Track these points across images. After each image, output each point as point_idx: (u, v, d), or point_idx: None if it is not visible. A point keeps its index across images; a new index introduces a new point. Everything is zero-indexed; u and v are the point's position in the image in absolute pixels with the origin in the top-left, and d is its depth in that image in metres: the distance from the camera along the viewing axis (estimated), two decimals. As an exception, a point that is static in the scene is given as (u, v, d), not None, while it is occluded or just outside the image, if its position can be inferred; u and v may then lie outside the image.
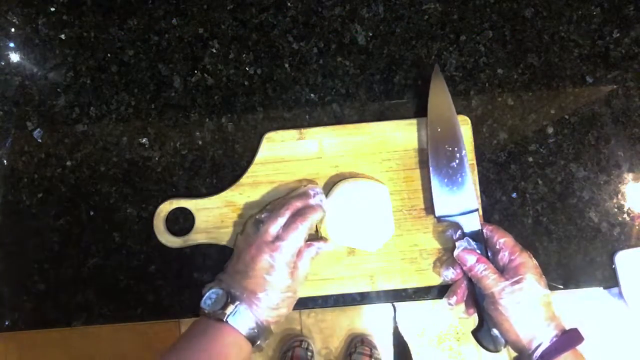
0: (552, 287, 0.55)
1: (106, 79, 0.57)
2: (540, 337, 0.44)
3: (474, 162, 0.55)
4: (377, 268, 0.54)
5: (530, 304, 0.45)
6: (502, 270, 0.48)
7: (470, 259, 0.48)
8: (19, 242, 0.56)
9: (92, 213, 0.56)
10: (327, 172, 0.55)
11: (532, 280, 0.46)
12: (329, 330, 1.38)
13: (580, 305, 1.36)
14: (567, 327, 0.46)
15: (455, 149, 0.51)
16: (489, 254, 0.50)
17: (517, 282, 0.46)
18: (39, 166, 0.56)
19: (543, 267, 0.49)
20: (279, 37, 0.57)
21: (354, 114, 0.57)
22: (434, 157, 0.52)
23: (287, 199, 0.50)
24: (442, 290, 0.55)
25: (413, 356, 1.37)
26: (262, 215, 0.49)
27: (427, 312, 1.39)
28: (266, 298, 0.45)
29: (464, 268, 0.49)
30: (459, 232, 0.52)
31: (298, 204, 0.49)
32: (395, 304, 1.38)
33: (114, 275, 0.56)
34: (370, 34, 0.58)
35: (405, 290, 0.55)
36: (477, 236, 0.50)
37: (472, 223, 0.51)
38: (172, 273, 0.55)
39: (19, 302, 0.55)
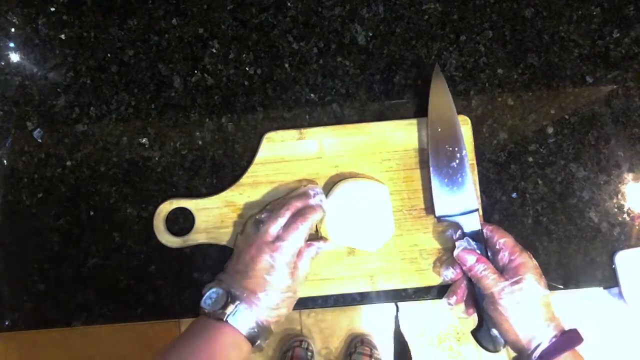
0: (552, 287, 0.55)
1: (106, 79, 0.57)
2: (540, 337, 0.44)
3: (474, 162, 0.55)
4: (377, 268, 0.54)
5: (529, 304, 0.45)
6: (502, 271, 0.48)
7: (470, 259, 0.48)
8: (19, 242, 0.56)
9: (92, 213, 0.56)
10: (327, 172, 0.55)
11: (531, 281, 0.46)
12: (329, 330, 1.38)
13: (580, 305, 1.36)
14: (567, 328, 0.46)
15: (456, 148, 0.51)
16: (489, 254, 0.50)
17: (517, 282, 0.46)
18: (39, 166, 0.56)
19: (543, 267, 0.49)
20: (279, 37, 0.57)
21: (354, 114, 0.57)
22: (434, 157, 0.52)
23: (287, 199, 0.50)
24: (442, 290, 0.55)
25: (413, 356, 1.37)
26: (262, 216, 0.49)
27: (427, 312, 1.39)
28: (266, 298, 0.45)
29: (464, 268, 0.49)
30: (459, 232, 0.52)
31: (298, 204, 0.49)
32: (398, 303, 1.38)
33: (114, 275, 0.56)
34: (370, 34, 0.58)
35: (405, 290, 0.55)
36: (477, 236, 0.50)
37: (472, 223, 0.51)
38: (172, 273, 0.56)
39: (19, 302, 0.55)
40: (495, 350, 0.50)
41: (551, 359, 0.43)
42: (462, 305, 0.52)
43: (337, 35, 0.58)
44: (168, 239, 0.54)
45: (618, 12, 0.58)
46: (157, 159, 0.56)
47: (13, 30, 0.58)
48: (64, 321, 0.55)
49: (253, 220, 0.49)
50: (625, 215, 0.56)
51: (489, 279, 0.46)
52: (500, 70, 0.57)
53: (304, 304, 0.54)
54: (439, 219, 0.52)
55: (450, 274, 0.52)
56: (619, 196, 0.56)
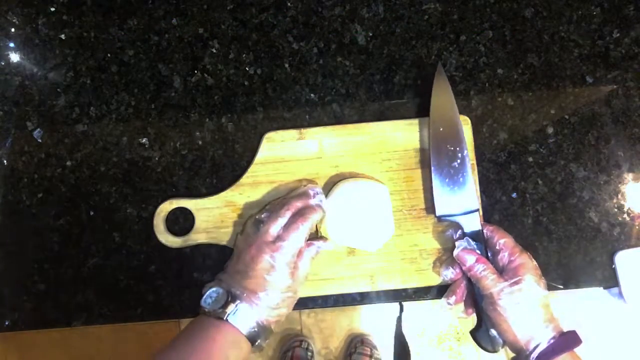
0: (552, 287, 0.55)
1: (106, 79, 0.57)
2: (538, 338, 0.44)
3: (474, 162, 0.55)
4: (377, 268, 0.54)
5: (529, 305, 0.45)
6: (502, 271, 0.48)
7: (470, 259, 0.48)
8: (19, 242, 0.56)
9: (92, 213, 0.56)
10: (327, 172, 0.55)
11: (531, 282, 0.46)
12: (329, 330, 1.38)
13: (580, 305, 1.36)
14: (566, 329, 0.46)
15: (457, 148, 0.51)
16: (489, 255, 0.50)
17: (516, 283, 0.46)
18: (39, 166, 0.56)
19: (543, 267, 0.49)
20: (279, 37, 0.57)
21: (354, 114, 0.57)
22: (435, 157, 0.52)
23: (287, 199, 0.50)
24: (441, 290, 0.55)
25: (413, 356, 1.37)
26: (262, 215, 0.49)
27: (427, 312, 1.39)
28: (266, 298, 0.45)
29: (464, 268, 0.49)
30: (459, 232, 0.52)
31: (298, 204, 0.49)
32: (403, 303, 1.37)
33: (114, 275, 0.56)
34: (370, 34, 0.58)
35: (405, 290, 0.55)
36: (477, 236, 0.50)
37: (473, 223, 0.51)
38: (172, 273, 0.56)
39: (19, 302, 0.55)
40: (494, 351, 0.50)
41: None
42: (461, 305, 0.52)
43: (337, 35, 0.58)
44: (168, 239, 0.54)
45: (618, 12, 0.58)
46: (157, 159, 0.56)
47: (13, 30, 0.58)
48: (64, 321, 0.55)
49: (253, 220, 0.49)
50: (625, 215, 0.56)
51: (489, 279, 0.46)
52: (500, 70, 0.57)
53: (304, 304, 0.54)
54: (440, 219, 0.52)
55: (450, 274, 0.52)
56: (619, 196, 0.56)
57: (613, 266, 0.55)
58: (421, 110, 0.57)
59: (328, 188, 0.54)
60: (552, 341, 0.44)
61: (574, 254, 0.56)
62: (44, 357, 1.37)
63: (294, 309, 0.50)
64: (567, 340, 0.44)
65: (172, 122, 0.57)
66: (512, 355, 0.47)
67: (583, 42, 0.58)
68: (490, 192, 0.56)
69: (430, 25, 0.58)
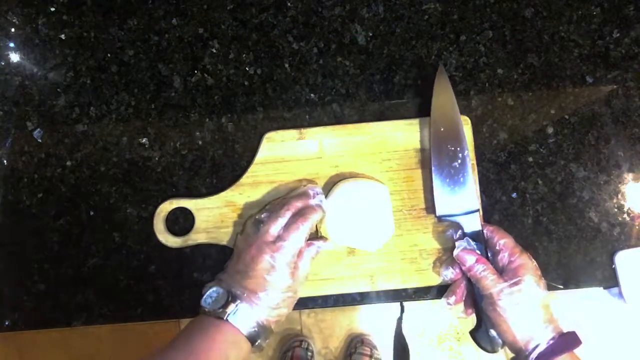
0: (552, 287, 0.55)
1: (106, 79, 0.57)
2: (538, 338, 0.44)
3: (474, 162, 0.55)
4: (377, 268, 0.54)
5: (528, 306, 0.45)
6: (502, 272, 0.48)
7: (470, 259, 0.48)
8: (19, 242, 0.56)
9: (92, 213, 0.56)
10: (327, 172, 0.55)
11: (531, 282, 0.46)
12: (329, 330, 1.38)
13: (580, 305, 1.36)
14: (566, 330, 0.46)
15: (458, 148, 0.51)
16: (489, 255, 0.50)
17: (516, 283, 0.46)
18: (39, 166, 0.56)
19: (543, 267, 0.49)
20: (279, 37, 0.57)
21: (354, 114, 0.57)
22: (436, 157, 0.52)
23: (287, 199, 0.50)
24: (441, 290, 0.55)
25: (413, 356, 1.37)
26: (262, 216, 0.49)
27: (427, 312, 1.39)
28: (267, 298, 0.45)
29: (463, 268, 0.49)
30: (459, 232, 0.52)
31: (298, 204, 0.49)
32: (404, 303, 1.37)
33: (114, 275, 0.56)
34: (370, 34, 0.58)
35: (405, 290, 0.55)
36: (477, 236, 0.50)
37: (473, 223, 0.51)
38: (172, 273, 0.56)
39: (19, 302, 0.55)
40: (493, 351, 0.50)
41: None
42: (461, 306, 0.52)
43: (337, 35, 0.58)
44: (168, 239, 0.54)
45: (618, 12, 0.58)
46: (157, 159, 0.56)
47: (13, 30, 0.58)
48: (64, 321, 0.55)
49: (253, 220, 0.49)
50: (625, 215, 0.56)
51: (488, 280, 0.46)
52: (500, 70, 0.57)
53: (304, 304, 0.54)
54: (440, 219, 0.52)
55: (449, 274, 0.52)
56: (619, 196, 0.56)
57: (613, 266, 0.55)
58: (421, 110, 0.57)
59: (328, 188, 0.54)
60: (551, 342, 0.44)
61: (574, 254, 0.56)
62: (44, 357, 1.37)
63: (294, 309, 0.50)
64: (567, 341, 0.44)
65: (172, 122, 0.57)
66: (512, 355, 0.47)
67: (583, 42, 0.58)
68: (490, 192, 0.56)
69: (430, 25, 0.58)
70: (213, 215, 0.54)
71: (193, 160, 0.56)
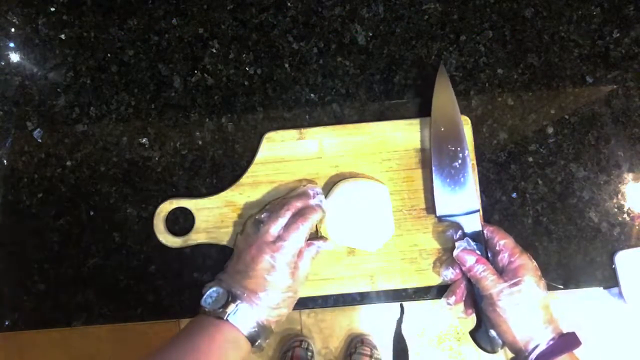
0: (552, 287, 0.55)
1: (106, 79, 0.57)
2: (537, 339, 0.44)
3: (474, 162, 0.55)
4: (377, 268, 0.54)
5: (528, 306, 0.45)
6: (502, 272, 0.48)
7: (470, 260, 0.48)
8: (19, 242, 0.56)
9: (92, 213, 0.56)
10: (327, 172, 0.55)
11: (531, 283, 0.46)
12: (329, 330, 1.38)
13: (580, 305, 1.36)
14: (566, 330, 0.46)
15: (458, 148, 0.51)
16: (489, 255, 0.50)
17: (516, 284, 0.46)
18: (39, 166, 0.56)
19: (543, 267, 0.49)
20: (279, 37, 0.57)
21: (354, 114, 0.57)
22: (436, 157, 0.52)
23: (287, 199, 0.50)
24: (441, 290, 0.55)
25: (413, 356, 1.37)
26: (262, 216, 0.49)
27: (427, 312, 1.39)
28: (267, 298, 0.45)
29: (463, 268, 0.49)
30: (459, 233, 0.52)
31: (298, 204, 0.49)
32: (404, 305, 1.37)
33: (114, 275, 0.56)
34: (370, 34, 0.58)
35: (405, 290, 0.55)
36: (477, 237, 0.50)
37: (473, 223, 0.51)
38: (172, 273, 0.56)
39: (19, 302, 0.55)
40: (493, 351, 0.50)
41: None
42: (461, 306, 0.52)
43: (337, 35, 0.58)
44: (168, 239, 0.54)
45: (618, 12, 0.58)
46: (157, 159, 0.56)
47: (13, 30, 0.58)
48: (64, 321, 0.55)
49: (253, 220, 0.49)
50: (625, 215, 0.56)
51: (488, 280, 0.46)
52: (500, 70, 0.57)
53: (304, 304, 0.54)
54: (440, 219, 0.52)
55: (449, 274, 0.52)
56: (619, 196, 0.56)
57: (613, 266, 0.55)
58: (421, 110, 0.57)
59: (328, 188, 0.54)
60: (551, 342, 0.44)
61: (574, 254, 0.56)
62: (44, 357, 1.37)
63: (294, 309, 0.50)
64: (567, 341, 0.44)
65: (172, 122, 0.57)
66: (512, 355, 0.47)
67: (583, 42, 0.58)
68: (490, 192, 0.56)
69: (430, 25, 0.58)
70: (213, 215, 0.54)
71: (193, 160, 0.56)
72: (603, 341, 1.34)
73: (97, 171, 0.56)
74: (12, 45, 0.58)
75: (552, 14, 0.58)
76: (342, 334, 1.37)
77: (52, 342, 1.37)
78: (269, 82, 0.57)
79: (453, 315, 1.38)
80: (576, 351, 0.45)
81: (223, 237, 0.54)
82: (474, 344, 0.51)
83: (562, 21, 0.58)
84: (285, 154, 0.54)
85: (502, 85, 0.57)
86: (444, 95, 0.52)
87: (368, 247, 0.53)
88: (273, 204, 0.52)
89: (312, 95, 0.57)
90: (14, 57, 0.58)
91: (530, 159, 0.57)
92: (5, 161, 0.56)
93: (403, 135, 0.55)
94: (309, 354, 1.30)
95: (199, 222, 0.54)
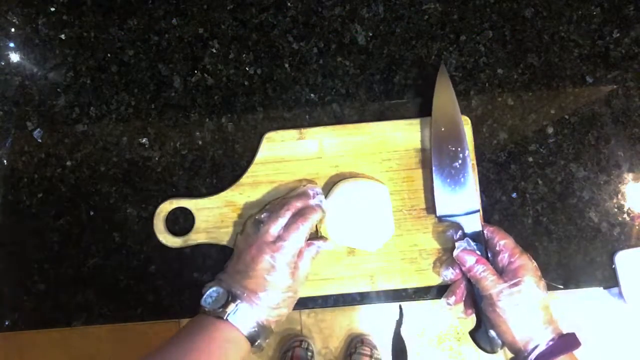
0: (552, 287, 0.55)
1: (106, 79, 0.57)
2: (537, 339, 0.44)
3: (474, 162, 0.55)
4: (377, 268, 0.54)
5: (528, 307, 0.45)
6: (502, 272, 0.48)
7: (470, 260, 0.48)
8: (19, 242, 0.56)
9: (92, 213, 0.56)
10: (327, 172, 0.55)
11: (531, 283, 0.46)
12: (329, 330, 1.38)
13: (580, 305, 1.36)
14: (565, 331, 0.46)
15: (459, 148, 0.51)
16: (489, 256, 0.50)
17: (516, 284, 0.46)
18: (39, 166, 0.56)
19: (543, 267, 0.49)
20: (279, 37, 0.57)
21: (354, 114, 0.57)
22: (437, 157, 0.52)
23: (286, 199, 0.50)
24: (441, 290, 0.55)
25: (413, 356, 1.37)
26: (262, 216, 0.49)
27: (427, 312, 1.39)
28: (267, 298, 0.45)
29: (463, 269, 0.49)
30: (459, 233, 0.52)
31: (298, 204, 0.49)
32: (403, 307, 1.37)
33: (114, 275, 0.56)
34: (370, 34, 0.58)
35: (405, 290, 0.55)
36: (477, 237, 0.50)
37: (473, 224, 0.51)
38: (172, 273, 0.55)
39: (19, 302, 0.55)
40: (493, 351, 0.50)
41: None
42: (461, 306, 0.52)
43: (337, 35, 0.58)
44: (168, 239, 0.54)
45: (618, 12, 0.58)
46: (157, 159, 0.56)
47: (13, 30, 0.58)
48: (64, 321, 0.55)
49: (253, 220, 0.49)
50: (625, 215, 0.56)
51: (488, 280, 0.46)
52: (500, 70, 0.57)
53: (304, 304, 0.54)
54: (440, 219, 0.52)
55: (449, 274, 0.52)
56: (619, 196, 0.56)
57: (613, 266, 0.55)
58: (421, 110, 0.57)
59: (328, 188, 0.54)
60: (550, 343, 0.44)
61: (574, 254, 0.56)
62: (44, 357, 1.37)
63: (294, 309, 0.50)
64: (566, 342, 0.44)
65: (172, 122, 0.57)
66: (511, 356, 0.47)
67: (583, 42, 0.58)
68: (490, 192, 0.56)
69: (430, 25, 0.58)
70: (213, 215, 0.54)
71: (193, 160, 0.56)
72: (603, 341, 1.34)
73: (97, 171, 0.56)
74: (12, 45, 0.58)
75: (552, 14, 0.58)
76: (342, 334, 1.37)
77: (52, 342, 1.37)
78: (269, 82, 0.57)
79: (453, 315, 1.38)
80: (576, 351, 0.45)
81: (223, 237, 0.54)
82: (474, 344, 0.51)
83: (562, 21, 0.58)
84: (285, 154, 0.54)
85: (502, 85, 0.57)
86: (444, 95, 0.52)
87: (368, 247, 0.53)
88: (273, 204, 0.52)
89: (312, 95, 0.57)
90: (14, 57, 0.58)
91: (530, 159, 0.57)
92: (5, 161, 0.56)
93: (403, 135, 0.55)
94: (309, 354, 1.30)
95: (199, 222, 0.54)
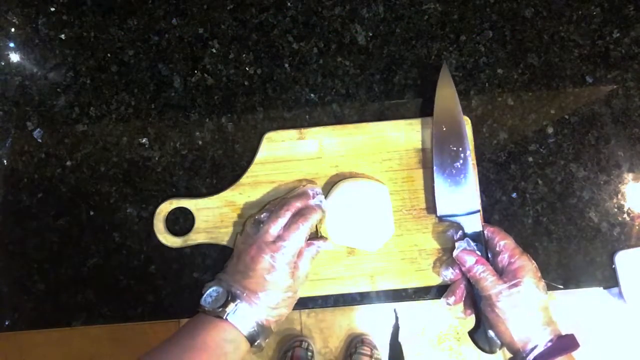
0: (552, 287, 0.55)
1: (106, 79, 0.57)
2: (535, 340, 0.44)
3: (474, 162, 0.55)
4: (377, 268, 0.54)
5: (527, 308, 0.45)
6: (502, 273, 0.48)
7: (470, 260, 0.48)
8: (19, 242, 0.56)
9: (92, 213, 0.56)
10: (327, 172, 0.55)
11: (530, 284, 0.46)
12: (329, 330, 1.38)
13: (580, 305, 1.36)
14: (564, 332, 0.46)
15: (460, 148, 0.51)
16: (489, 256, 0.50)
17: (515, 285, 0.46)
18: (39, 166, 0.56)
19: (543, 267, 0.49)
20: (279, 37, 0.57)
21: (354, 114, 0.57)
22: (438, 156, 0.52)
23: (286, 199, 0.50)
24: (441, 290, 0.55)
25: (414, 357, 1.37)
26: (262, 216, 0.49)
27: (426, 312, 1.39)
28: (266, 298, 0.45)
29: (463, 269, 0.49)
30: (459, 233, 0.52)
31: (298, 204, 0.49)
32: (397, 312, 1.37)
33: (114, 275, 0.56)
34: (370, 34, 0.58)
35: (405, 290, 0.55)
36: (477, 237, 0.50)
37: (474, 224, 0.51)
38: (172, 273, 0.55)
39: (19, 302, 0.55)
40: (491, 352, 0.50)
41: None
42: (460, 306, 0.52)
43: (337, 35, 0.58)
44: (168, 239, 0.54)
45: (618, 12, 0.58)
46: (157, 159, 0.56)
47: (13, 30, 0.58)
48: (64, 321, 0.55)
49: (253, 220, 0.49)
50: (625, 215, 0.56)
51: (488, 281, 0.46)
52: (500, 70, 0.57)
53: (304, 304, 0.54)
54: (441, 219, 0.52)
55: (449, 274, 0.52)
56: (619, 196, 0.56)
57: (613, 266, 0.55)
58: (421, 110, 0.57)
59: (328, 188, 0.54)
60: (549, 344, 0.44)
61: (574, 254, 0.56)
62: (44, 357, 1.37)
63: (294, 309, 0.50)
64: (565, 343, 0.44)
65: (172, 122, 0.57)
66: (510, 356, 0.47)
67: (583, 42, 0.58)
68: (490, 192, 0.56)
69: (430, 25, 0.58)
70: (213, 215, 0.54)
71: (193, 160, 0.56)
72: (603, 341, 1.34)
73: (97, 171, 0.56)
74: (12, 45, 0.58)
75: (552, 14, 0.58)
76: (342, 334, 1.37)
77: (52, 342, 1.37)
78: (269, 82, 0.57)
79: (453, 316, 1.38)
80: (576, 352, 0.45)
81: (223, 237, 0.54)
82: (473, 344, 0.51)
83: (562, 21, 0.58)
84: (285, 154, 0.54)
85: (502, 85, 0.57)
86: (446, 95, 0.52)
87: (368, 247, 0.53)
88: (273, 204, 0.52)
89: (312, 95, 0.57)
90: (14, 57, 0.58)
91: (530, 159, 0.57)
92: (5, 161, 0.56)
93: (403, 135, 0.55)
94: (309, 354, 1.30)
95: (199, 222, 0.54)
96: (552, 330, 0.45)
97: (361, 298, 0.56)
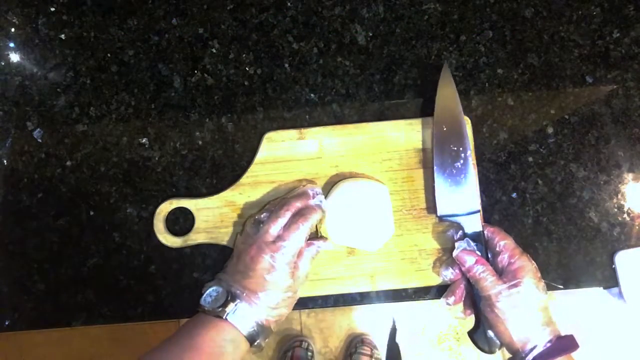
0: (552, 287, 0.55)
1: (106, 79, 0.57)
2: (535, 340, 0.44)
3: (474, 162, 0.55)
4: (377, 268, 0.54)
5: (526, 308, 0.45)
6: (501, 273, 0.48)
7: (469, 260, 0.48)
8: (19, 242, 0.56)
9: (92, 213, 0.56)
10: (327, 172, 0.55)
11: (530, 285, 0.46)
12: (329, 330, 1.38)
13: (580, 305, 1.36)
14: (564, 333, 0.46)
15: (461, 148, 0.51)
16: (489, 256, 0.50)
17: (515, 285, 0.46)
18: (39, 166, 0.56)
19: (543, 267, 0.49)
20: (279, 37, 0.57)
21: (354, 114, 0.57)
22: (438, 156, 0.52)
23: (286, 199, 0.50)
24: (441, 290, 0.55)
25: (414, 357, 1.37)
26: (262, 216, 0.49)
27: (426, 312, 1.39)
28: (266, 298, 0.45)
29: (463, 269, 0.49)
30: (459, 233, 0.52)
31: (298, 204, 0.49)
32: (395, 320, 1.37)
33: (114, 275, 0.56)
34: (370, 34, 0.58)
35: (405, 290, 0.55)
36: (477, 237, 0.50)
37: (474, 224, 0.51)
38: (172, 273, 0.56)
39: (19, 302, 0.55)
40: (491, 352, 0.50)
41: None
42: (460, 306, 0.52)
43: (337, 35, 0.58)
44: (168, 239, 0.54)
45: (618, 12, 0.58)
46: (157, 159, 0.56)
47: (13, 30, 0.58)
48: (64, 321, 0.55)
49: (253, 220, 0.49)
50: (625, 215, 0.56)
51: (487, 281, 0.46)
52: (500, 70, 0.57)
53: (304, 304, 0.54)
54: (441, 219, 0.52)
55: (449, 274, 0.52)
56: (619, 196, 0.56)
57: (613, 266, 0.55)
58: (421, 110, 0.57)
59: (328, 188, 0.54)
60: (548, 344, 0.44)
61: (574, 254, 0.56)
62: (44, 357, 1.37)
63: (294, 309, 0.50)
64: (564, 344, 0.44)
65: (172, 122, 0.57)
66: (509, 356, 0.47)
67: (583, 42, 0.58)
68: (490, 192, 0.56)
69: (430, 25, 0.58)
70: (213, 215, 0.54)
71: (193, 160, 0.56)
72: (603, 341, 1.34)
73: (97, 171, 0.56)
74: (12, 45, 0.58)
75: (552, 14, 0.58)
76: (342, 334, 1.37)
77: (52, 342, 1.37)
78: (269, 82, 0.57)
79: (452, 316, 1.38)
80: (575, 352, 0.45)
81: (223, 237, 0.54)
82: (473, 344, 0.51)
83: (562, 21, 0.58)
84: (285, 154, 0.54)
85: (502, 85, 0.57)
86: (447, 95, 0.52)
87: (368, 247, 0.53)
88: (273, 204, 0.52)
89: (312, 95, 0.57)
90: (14, 57, 0.58)
91: (530, 159, 0.57)
92: (5, 161, 0.56)
93: (403, 135, 0.55)
94: (309, 354, 1.30)
95: (199, 222, 0.54)
96: (552, 331, 0.45)
97: (361, 298, 0.56)
